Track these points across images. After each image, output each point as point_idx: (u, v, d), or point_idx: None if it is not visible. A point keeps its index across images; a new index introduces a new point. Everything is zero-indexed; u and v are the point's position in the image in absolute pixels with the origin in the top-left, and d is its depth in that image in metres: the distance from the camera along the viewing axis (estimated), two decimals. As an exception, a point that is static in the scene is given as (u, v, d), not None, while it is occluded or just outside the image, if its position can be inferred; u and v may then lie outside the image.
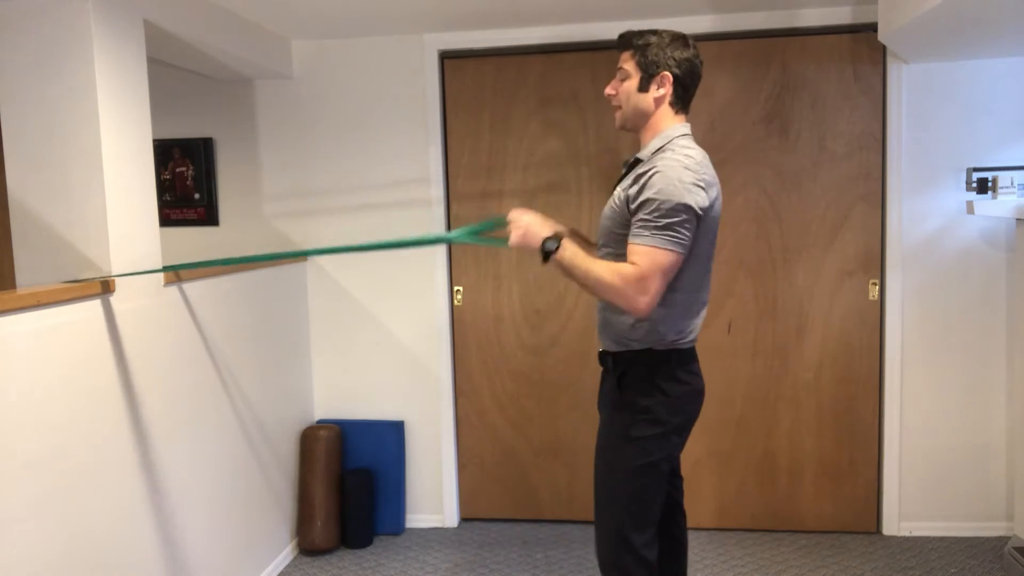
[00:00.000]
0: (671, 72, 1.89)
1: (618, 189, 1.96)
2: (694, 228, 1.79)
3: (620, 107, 1.98)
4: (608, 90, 2.01)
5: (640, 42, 1.93)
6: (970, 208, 3.07)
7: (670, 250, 1.76)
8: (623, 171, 2.01)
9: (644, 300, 1.75)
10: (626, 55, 1.96)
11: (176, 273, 2.46)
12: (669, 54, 1.89)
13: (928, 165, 3.18)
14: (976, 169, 3.13)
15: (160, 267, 2.38)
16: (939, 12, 2.33)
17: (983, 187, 3.07)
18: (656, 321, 1.88)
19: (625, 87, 1.96)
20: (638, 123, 1.97)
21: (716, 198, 1.87)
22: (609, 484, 1.97)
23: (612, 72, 3.28)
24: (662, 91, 1.91)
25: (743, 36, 3.22)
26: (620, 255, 1.87)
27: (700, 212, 1.79)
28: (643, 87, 1.93)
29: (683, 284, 1.87)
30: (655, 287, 1.75)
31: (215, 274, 2.71)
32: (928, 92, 3.15)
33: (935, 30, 2.59)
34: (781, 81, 3.23)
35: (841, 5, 3.07)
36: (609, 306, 1.95)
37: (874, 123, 3.20)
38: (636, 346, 1.92)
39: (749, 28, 3.16)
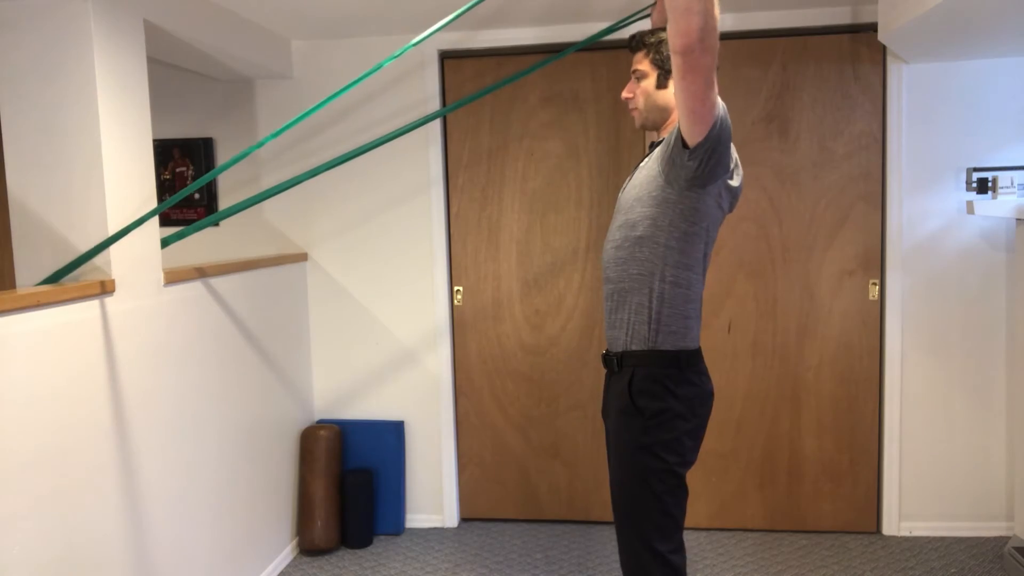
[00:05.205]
0: None
1: (641, 169, 1.94)
2: (724, 134, 1.69)
3: (637, 108, 1.99)
4: (625, 93, 2.01)
5: (653, 40, 1.93)
6: (970, 208, 3.07)
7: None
8: (642, 160, 2.00)
9: (704, 53, 1.53)
10: (640, 55, 1.96)
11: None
12: None
13: (928, 165, 3.18)
14: (976, 169, 3.14)
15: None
16: (939, 12, 2.33)
17: (983, 187, 3.07)
18: (665, 303, 1.85)
19: (643, 87, 1.96)
20: (659, 121, 1.98)
21: (737, 187, 1.87)
22: (627, 495, 1.90)
23: (612, 72, 3.31)
24: None
25: (743, 36, 3.22)
26: (654, 218, 1.84)
27: (727, 130, 1.71)
28: (661, 84, 1.93)
29: (692, 261, 1.86)
30: (712, 72, 1.58)
31: (215, 274, 2.71)
32: (928, 92, 3.15)
33: (935, 30, 2.59)
34: (781, 81, 3.23)
35: (841, 5, 3.07)
36: (620, 302, 1.93)
37: (874, 123, 3.20)
38: (644, 345, 1.88)
39: (749, 28, 3.16)
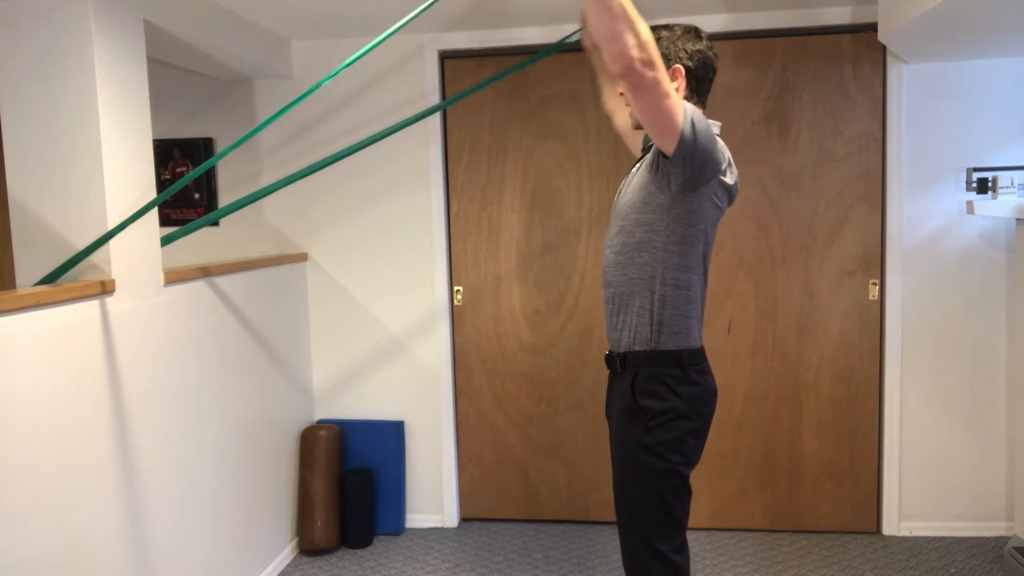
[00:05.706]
0: (683, 65, 1.87)
1: (634, 174, 1.94)
2: (700, 136, 1.69)
3: (631, 107, 1.98)
4: (620, 90, 2.00)
5: None
6: (970, 208, 3.07)
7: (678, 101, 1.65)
8: (635, 164, 2.00)
9: (644, 70, 1.53)
10: None
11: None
12: (680, 47, 1.87)
13: (928, 165, 3.18)
14: (976, 169, 3.14)
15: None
16: (939, 12, 2.33)
17: (983, 187, 3.07)
18: (666, 305, 1.86)
19: None
20: None
21: (733, 185, 1.87)
22: (629, 495, 1.91)
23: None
24: (675, 84, 1.88)
25: (743, 36, 3.22)
26: (651, 223, 1.84)
27: (720, 143, 1.74)
28: None
29: (691, 263, 1.86)
30: (662, 84, 1.57)
31: (215, 274, 2.71)
32: (928, 92, 3.15)
33: (935, 30, 2.59)
34: (781, 81, 3.23)
35: (841, 5, 3.07)
36: (621, 305, 1.93)
37: (874, 123, 3.20)
38: (646, 346, 1.88)
39: (749, 28, 3.16)
